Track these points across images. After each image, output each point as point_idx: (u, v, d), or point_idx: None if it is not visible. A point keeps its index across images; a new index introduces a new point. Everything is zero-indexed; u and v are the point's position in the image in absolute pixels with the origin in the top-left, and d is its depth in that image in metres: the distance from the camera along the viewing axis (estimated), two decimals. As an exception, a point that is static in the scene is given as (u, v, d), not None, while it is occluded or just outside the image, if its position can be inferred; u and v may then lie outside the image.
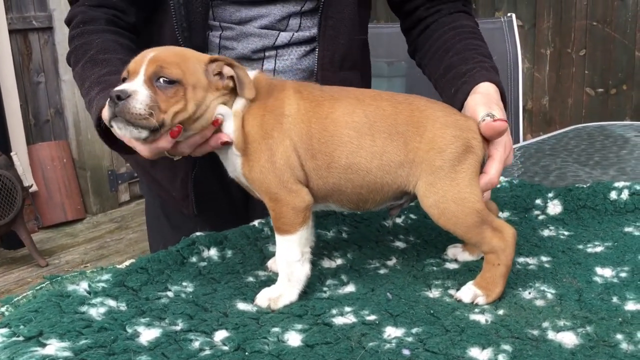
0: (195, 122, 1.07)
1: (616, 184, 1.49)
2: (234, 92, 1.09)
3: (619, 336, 0.95)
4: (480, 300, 1.06)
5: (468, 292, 1.07)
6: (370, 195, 1.11)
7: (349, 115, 1.08)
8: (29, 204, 4.54)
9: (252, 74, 1.12)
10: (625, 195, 1.46)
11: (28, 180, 4.53)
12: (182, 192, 1.50)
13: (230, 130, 1.09)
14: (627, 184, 1.49)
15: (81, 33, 1.34)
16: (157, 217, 1.67)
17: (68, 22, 1.41)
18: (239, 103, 1.09)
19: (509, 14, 3.25)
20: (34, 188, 4.63)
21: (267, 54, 1.45)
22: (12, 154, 4.41)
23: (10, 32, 4.48)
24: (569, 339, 0.95)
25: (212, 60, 1.07)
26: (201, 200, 1.52)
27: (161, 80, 1.03)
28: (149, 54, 1.07)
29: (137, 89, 1.02)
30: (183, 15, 1.36)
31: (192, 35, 1.38)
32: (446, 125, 1.09)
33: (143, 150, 1.09)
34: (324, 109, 1.09)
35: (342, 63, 1.46)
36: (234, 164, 1.11)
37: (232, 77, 1.08)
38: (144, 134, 1.03)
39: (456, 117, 1.12)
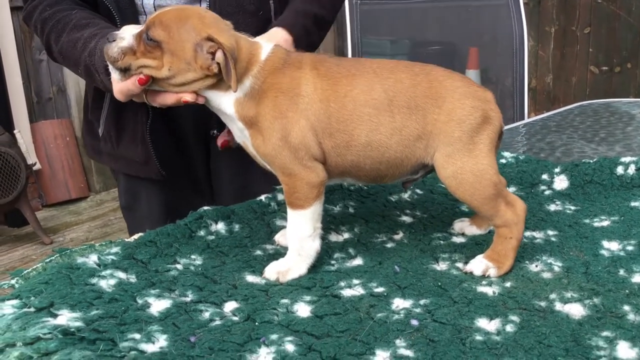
0: (172, 87, 1.09)
1: (623, 159, 1.49)
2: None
3: (626, 307, 0.96)
4: (492, 272, 1.07)
5: (479, 265, 1.08)
6: (390, 171, 1.11)
7: (368, 92, 1.07)
8: (32, 182, 4.55)
9: (268, 47, 1.10)
10: (632, 170, 1.46)
11: (31, 158, 4.53)
12: (144, 153, 1.50)
13: (229, 112, 1.09)
14: (634, 159, 1.49)
15: (53, 13, 1.36)
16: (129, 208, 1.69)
17: (29, 15, 1.42)
18: (242, 90, 1.07)
19: (514, -10, 3.22)
20: (38, 166, 4.63)
21: (203, 3, 1.43)
22: (15, 131, 4.40)
23: (12, 9, 4.45)
24: (576, 310, 0.96)
25: (210, 39, 1.05)
26: (164, 161, 1.52)
27: (147, 35, 1.06)
28: (165, 9, 1.09)
29: (125, 36, 1.09)
30: None
31: (120, 9, 1.40)
32: (465, 96, 1.09)
33: (116, 91, 1.18)
34: (342, 87, 1.07)
35: None
36: (241, 132, 1.10)
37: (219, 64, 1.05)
38: (117, 74, 1.12)
39: (475, 88, 1.11)
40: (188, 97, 1.10)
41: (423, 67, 1.12)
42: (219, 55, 1.04)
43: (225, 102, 1.09)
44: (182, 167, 1.59)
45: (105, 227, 4.45)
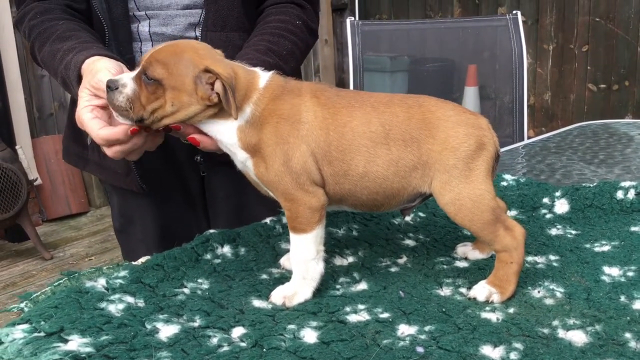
0: (176, 122, 1.11)
1: (623, 184, 1.51)
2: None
3: (628, 335, 0.97)
4: (495, 298, 1.08)
5: (482, 291, 1.09)
6: (386, 200, 1.13)
7: (366, 125, 1.10)
8: (33, 197, 4.56)
9: (266, 76, 1.12)
10: (631, 194, 1.48)
11: (33, 173, 4.55)
12: (125, 164, 1.51)
13: (232, 141, 1.11)
14: (634, 183, 1.51)
15: (41, 22, 1.39)
16: (121, 230, 1.71)
17: (20, 20, 1.45)
18: (244, 117, 1.10)
19: (514, 12, 3.26)
20: (39, 181, 4.65)
21: (197, 33, 1.47)
22: (17, 147, 4.42)
23: (15, 25, 4.48)
24: (578, 337, 0.97)
25: (207, 71, 1.07)
26: (145, 174, 1.53)
27: (146, 75, 1.08)
28: (156, 47, 1.11)
29: (126, 82, 1.10)
30: (105, 8, 1.42)
31: (114, 27, 1.43)
32: (458, 124, 1.11)
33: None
34: (342, 117, 1.10)
35: (224, 23, 1.46)
36: (244, 163, 1.12)
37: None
38: (127, 122, 1.12)
39: (467, 116, 1.13)
40: (134, 126, 1.13)
41: (416, 99, 1.14)
42: (218, 85, 1.06)
43: (227, 131, 1.11)
44: (173, 184, 1.61)
45: (105, 242, 4.46)
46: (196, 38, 1.46)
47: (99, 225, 4.76)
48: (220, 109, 1.09)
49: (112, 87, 1.10)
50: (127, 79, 1.10)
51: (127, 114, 1.10)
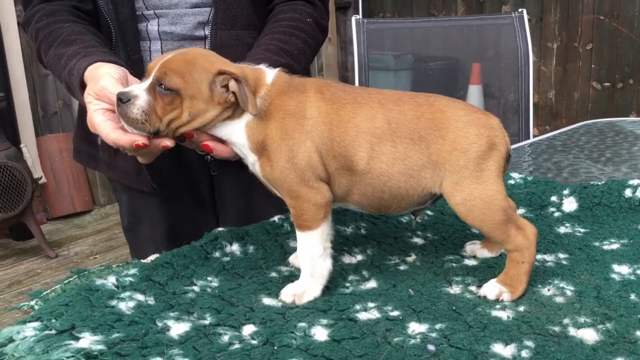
0: (192, 130, 1.10)
1: (631, 182, 1.51)
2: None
3: (639, 333, 0.97)
4: (506, 296, 1.08)
5: (493, 289, 1.09)
6: (394, 201, 1.12)
7: (371, 121, 1.09)
8: (38, 195, 4.57)
9: (272, 73, 1.13)
10: (639, 192, 1.48)
11: (37, 172, 4.55)
12: (136, 164, 1.50)
13: (242, 141, 1.11)
14: (642, 181, 1.51)
15: (47, 24, 1.39)
16: (130, 229, 1.70)
17: (27, 21, 1.44)
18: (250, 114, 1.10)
19: (519, 10, 3.25)
20: (43, 180, 4.65)
21: (206, 32, 1.47)
22: (21, 145, 4.43)
23: (19, 24, 4.49)
24: (589, 335, 0.97)
25: (221, 73, 1.07)
26: (156, 174, 1.53)
27: (162, 86, 1.07)
28: (165, 57, 1.09)
29: (139, 93, 1.08)
30: (111, 9, 1.41)
31: (121, 27, 1.42)
32: (468, 124, 1.11)
33: (110, 142, 1.16)
34: (347, 112, 1.10)
35: (234, 21, 1.46)
36: (253, 165, 1.13)
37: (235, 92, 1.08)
38: (143, 134, 1.10)
39: (478, 115, 1.13)
40: (140, 141, 1.10)
41: (427, 98, 1.13)
42: (232, 84, 1.07)
43: (237, 130, 1.11)
44: (182, 184, 1.61)
45: (109, 240, 4.47)
46: (205, 36, 1.46)
47: (104, 223, 4.76)
48: (233, 110, 1.09)
49: (123, 99, 1.08)
50: (139, 90, 1.08)
51: (143, 126, 1.08)
